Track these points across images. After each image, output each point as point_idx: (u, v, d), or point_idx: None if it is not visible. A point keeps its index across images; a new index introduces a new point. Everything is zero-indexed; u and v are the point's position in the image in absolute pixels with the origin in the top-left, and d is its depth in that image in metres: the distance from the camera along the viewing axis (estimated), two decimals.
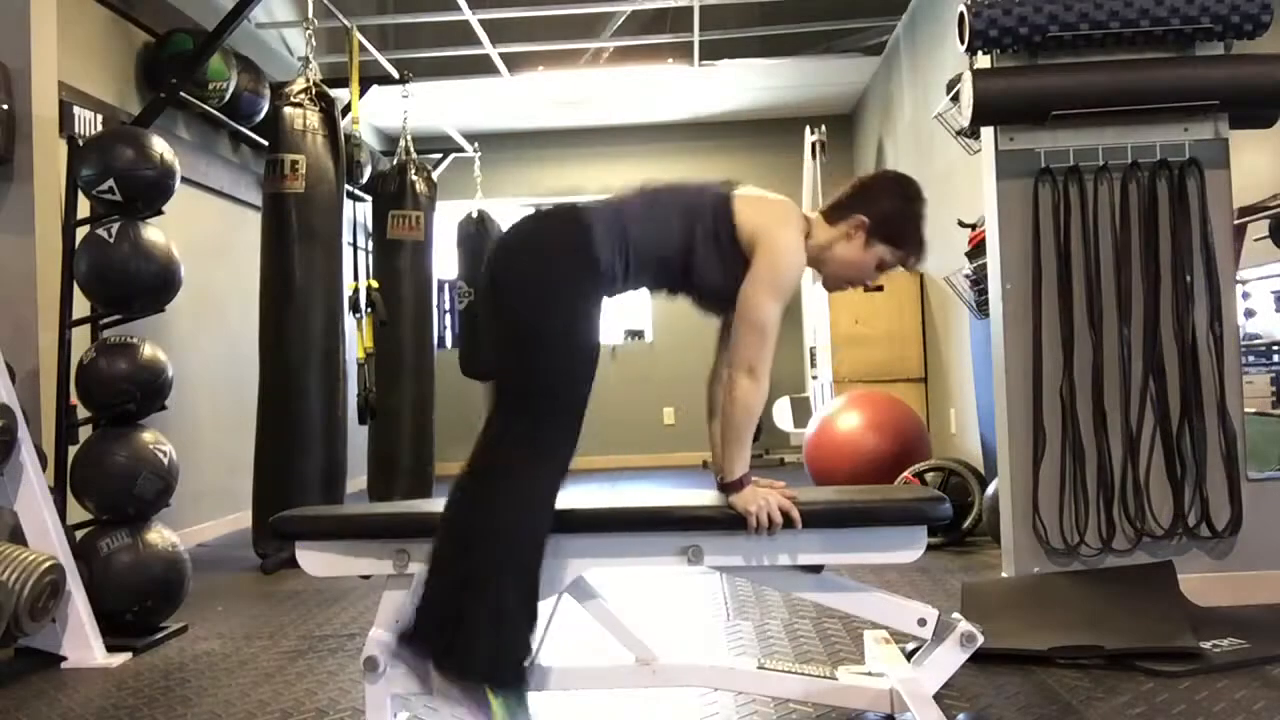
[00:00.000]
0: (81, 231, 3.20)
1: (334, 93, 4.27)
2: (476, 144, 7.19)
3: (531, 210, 2.12)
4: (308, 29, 4.29)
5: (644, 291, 2.13)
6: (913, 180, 2.15)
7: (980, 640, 1.93)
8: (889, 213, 2.06)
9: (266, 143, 4.38)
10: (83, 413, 3.12)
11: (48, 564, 2.64)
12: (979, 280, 3.97)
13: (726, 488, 1.96)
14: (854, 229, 2.06)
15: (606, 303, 2.03)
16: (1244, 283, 3.97)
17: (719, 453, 2.02)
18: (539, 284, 1.97)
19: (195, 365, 4.78)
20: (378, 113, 7.12)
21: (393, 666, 1.95)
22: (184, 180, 3.73)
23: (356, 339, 4.89)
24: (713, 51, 6.56)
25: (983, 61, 3.00)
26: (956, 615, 1.98)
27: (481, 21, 5.82)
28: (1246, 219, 3.70)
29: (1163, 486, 2.90)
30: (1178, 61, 2.90)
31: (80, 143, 3.21)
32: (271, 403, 4.07)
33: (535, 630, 1.91)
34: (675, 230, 2.02)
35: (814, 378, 6.86)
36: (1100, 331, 2.92)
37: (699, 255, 2.02)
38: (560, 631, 2.17)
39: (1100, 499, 2.90)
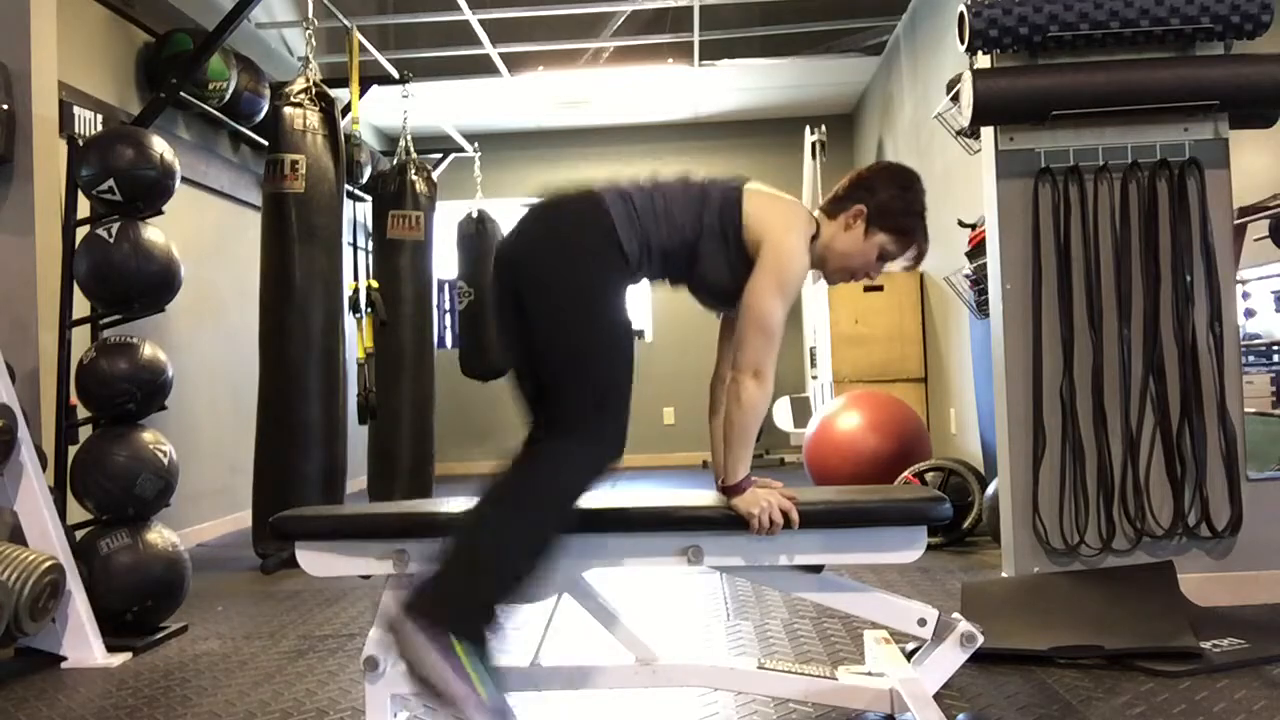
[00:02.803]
0: (81, 231, 3.20)
1: (334, 93, 4.27)
2: (476, 144, 7.20)
3: (542, 198, 2.04)
4: (308, 29, 4.29)
5: (645, 283, 2.10)
6: (909, 169, 2.14)
7: (980, 640, 1.94)
8: (887, 200, 2.05)
9: (266, 143, 4.38)
10: (83, 413, 3.12)
11: (48, 564, 2.64)
12: (979, 280, 3.97)
13: (728, 490, 1.96)
14: (853, 218, 2.06)
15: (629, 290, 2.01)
16: (1244, 283, 3.97)
17: (720, 453, 2.02)
18: (570, 277, 1.93)
19: (195, 365, 4.78)
20: (378, 113, 7.13)
21: (393, 666, 1.96)
22: (184, 180, 3.74)
23: (356, 339, 4.89)
24: (713, 51, 6.56)
25: (983, 61, 3.00)
26: (956, 615, 1.98)
27: (481, 21, 5.82)
28: (1246, 219, 3.71)
29: (1163, 486, 2.90)
30: (1178, 61, 2.89)
31: (80, 143, 3.21)
32: (271, 403, 4.07)
33: (517, 599, 1.83)
34: (682, 222, 2.00)
35: (814, 378, 6.86)
36: (1100, 331, 2.92)
37: (704, 249, 2.00)
38: (560, 631, 2.17)
39: (1100, 499, 2.90)
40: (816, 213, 2.12)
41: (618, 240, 1.94)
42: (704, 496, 2.07)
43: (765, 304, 1.95)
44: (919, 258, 2.13)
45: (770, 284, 1.96)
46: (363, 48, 5.29)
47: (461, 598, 1.76)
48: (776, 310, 1.95)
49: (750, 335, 1.95)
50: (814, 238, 2.07)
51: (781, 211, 2.03)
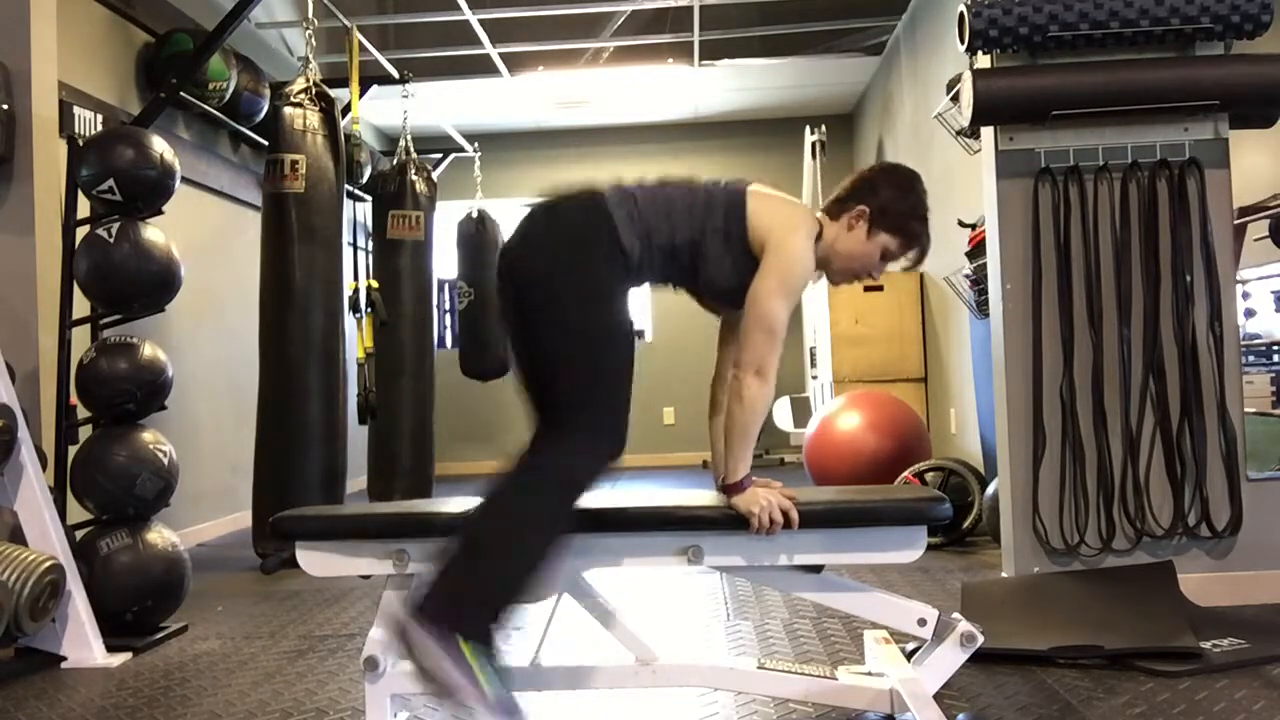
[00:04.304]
0: (81, 231, 3.20)
1: (334, 93, 4.27)
2: (476, 144, 7.20)
3: (543, 199, 2.03)
4: (308, 29, 4.29)
5: (646, 286, 2.11)
6: (910, 169, 2.14)
7: (980, 640, 1.93)
8: (889, 201, 2.05)
9: (266, 143, 4.38)
10: (83, 413, 3.12)
11: (48, 564, 2.64)
12: (979, 280, 3.97)
13: (728, 489, 1.96)
14: (855, 220, 2.06)
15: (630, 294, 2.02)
16: (1244, 283, 3.97)
17: (720, 452, 2.02)
18: (569, 275, 1.92)
19: (195, 365, 4.78)
20: (378, 113, 7.12)
21: (393, 666, 1.96)
22: (184, 180, 3.74)
23: (356, 339, 4.89)
24: (713, 51, 6.56)
25: (983, 61, 3.00)
26: (956, 615, 1.98)
27: (481, 21, 5.82)
28: (1246, 219, 3.70)
29: (1163, 486, 2.90)
30: (1178, 61, 2.90)
31: (80, 143, 3.21)
32: (271, 403, 4.07)
33: (522, 601, 1.86)
34: (686, 224, 2.00)
35: (814, 378, 6.86)
36: (1100, 331, 2.92)
37: (708, 251, 2.00)
38: (560, 631, 2.17)
39: (1100, 499, 2.90)
40: (819, 213, 2.12)
41: (619, 241, 1.94)
42: (704, 496, 2.07)
43: (769, 304, 1.95)
44: (921, 257, 2.13)
45: (775, 284, 1.96)
46: (363, 48, 5.29)
47: (468, 599, 1.79)
48: (780, 310, 1.96)
49: (754, 334, 1.95)
50: (817, 238, 2.07)
51: (786, 212, 2.03)
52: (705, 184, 2.06)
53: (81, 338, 3.26)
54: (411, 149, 5.60)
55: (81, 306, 3.23)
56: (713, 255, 2.00)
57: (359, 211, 6.52)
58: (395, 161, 5.59)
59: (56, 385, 3.19)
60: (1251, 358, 4.00)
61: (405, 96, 5.46)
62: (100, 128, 3.98)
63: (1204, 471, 2.88)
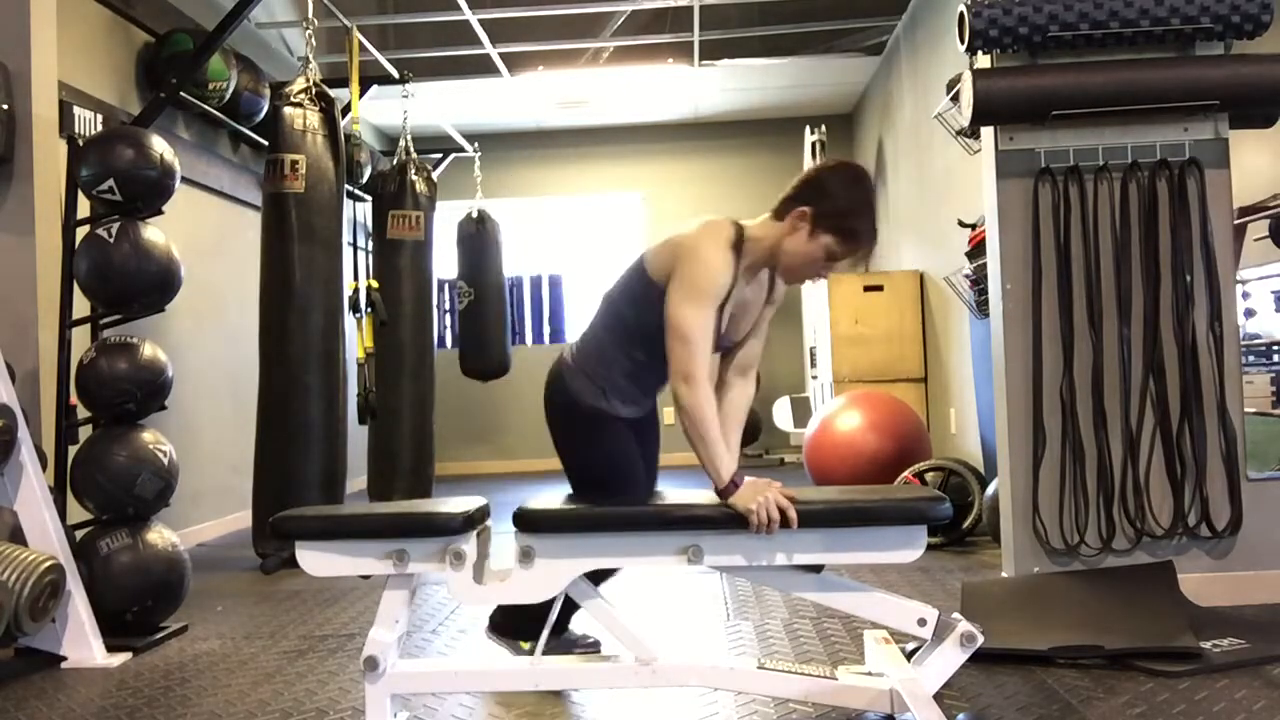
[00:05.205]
0: (81, 231, 3.20)
1: (334, 93, 4.27)
2: (476, 144, 7.20)
3: (550, 376, 2.35)
4: (308, 29, 4.29)
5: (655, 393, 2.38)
6: (858, 166, 2.16)
7: (980, 640, 1.94)
8: (832, 200, 2.06)
9: (266, 143, 4.38)
10: (83, 413, 3.12)
11: (48, 564, 2.65)
12: (979, 280, 3.97)
13: (722, 493, 1.98)
14: (798, 220, 2.07)
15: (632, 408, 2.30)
16: (1244, 283, 3.97)
17: (706, 456, 2.05)
18: (568, 444, 2.34)
19: (195, 365, 4.79)
20: (378, 113, 7.13)
21: (393, 666, 1.96)
22: (184, 180, 3.74)
23: (356, 339, 4.89)
24: (713, 51, 6.56)
25: (983, 61, 3.01)
26: (956, 615, 1.98)
27: (481, 21, 5.82)
28: (1246, 219, 3.71)
29: (1163, 486, 2.90)
30: (1178, 61, 2.90)
31: (80, 143, 3.21)
32: (271, 403, 4.07)
33: None
34: (633, 320, 2.18)
35: (814, 378, 6.86)
36: (1100, 331, 2.92)
37: (629, 330, 2.18)
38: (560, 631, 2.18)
39: (1100, 499, 2.90)
40: (762, 216, 2.14)
41: (586, 403, 2.24)
42: (704, 496, 2.07)
43: (677, 312, 2.04)
44: (866, 255, 2.17)
45: (679, 293, 2.05)
46: (363, 48, 5.29)
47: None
48: (689, 316, 2.02)
49: (671, 345, 2.04)
50: (742, 240, 2.10)
51: (679, 239, 2.12)
52: (618, 282, 2.26)
53: (81, 338, 3.26)
54: (411, 149, 5.60)
55: (81, 306, 3.24)
56: (656, 328, 2.10)
57: (359, 211, 6.53)
58: (395, 161, 5.59)
59: (56, 385, 3.19)
60: (1251, 358, 4.00)
61: (405, 96, 5.46)
62: (100, 128, 3.98)
63: (1204, 471, 2.88)
